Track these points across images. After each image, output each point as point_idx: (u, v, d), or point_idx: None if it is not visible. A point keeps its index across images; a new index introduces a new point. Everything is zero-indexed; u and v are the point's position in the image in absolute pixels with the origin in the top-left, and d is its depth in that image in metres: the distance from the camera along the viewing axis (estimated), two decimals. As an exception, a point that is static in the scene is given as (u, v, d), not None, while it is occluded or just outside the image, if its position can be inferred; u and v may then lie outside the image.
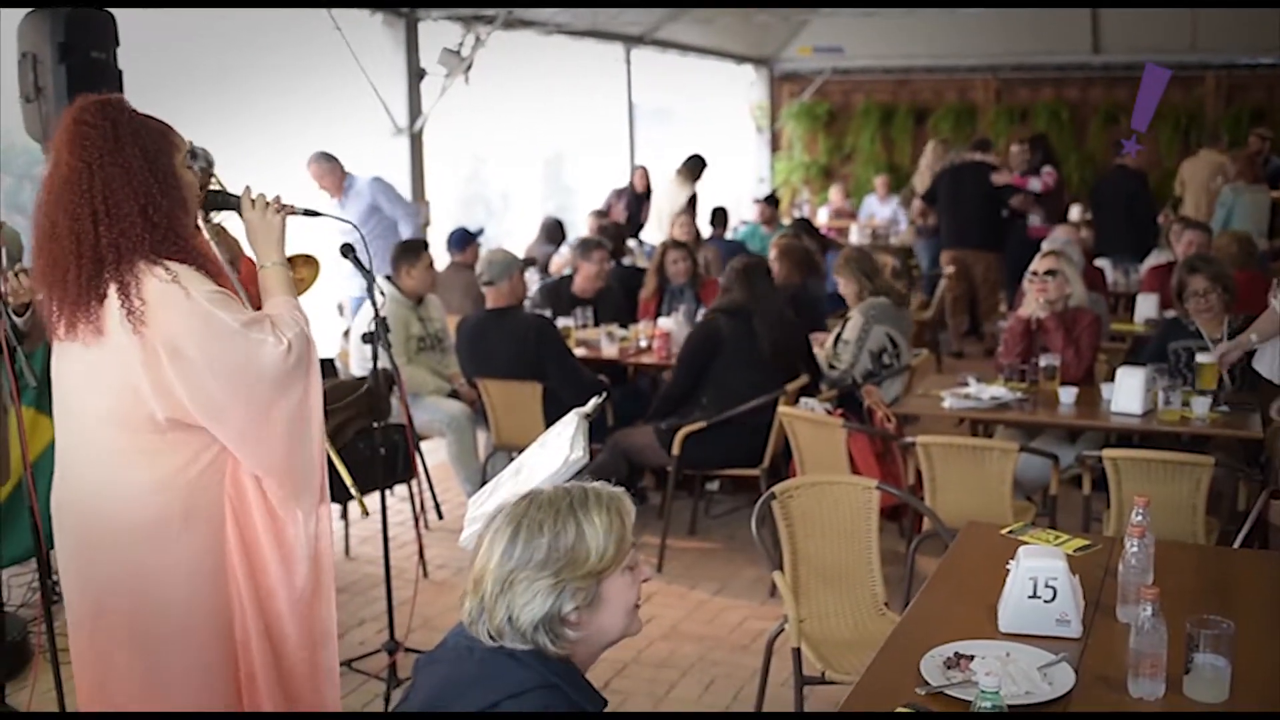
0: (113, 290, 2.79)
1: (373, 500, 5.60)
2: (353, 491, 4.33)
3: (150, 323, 2.78)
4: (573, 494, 2.18)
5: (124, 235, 2.79)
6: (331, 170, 8.28)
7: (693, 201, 11.26)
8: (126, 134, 2.85)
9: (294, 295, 3.04)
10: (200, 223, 3.81)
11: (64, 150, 2.86)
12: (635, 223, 11.26)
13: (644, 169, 11.81)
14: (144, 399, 2.82)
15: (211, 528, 2.92)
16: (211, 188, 3.27)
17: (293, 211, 3.16)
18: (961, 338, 10.75)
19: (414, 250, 6.59)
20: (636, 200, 11.45)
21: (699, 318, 6.98)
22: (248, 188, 3.14)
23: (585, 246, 7.61)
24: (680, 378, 6.04)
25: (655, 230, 11.17)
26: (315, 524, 3.03)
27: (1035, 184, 10.26)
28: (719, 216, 10.98)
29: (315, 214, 3.34)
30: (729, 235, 11.11)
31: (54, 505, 3.00)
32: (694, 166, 11.34)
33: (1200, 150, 11.07)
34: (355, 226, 3.58)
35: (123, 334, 2.80)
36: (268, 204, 3.10)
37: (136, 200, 2.81)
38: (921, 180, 11.75)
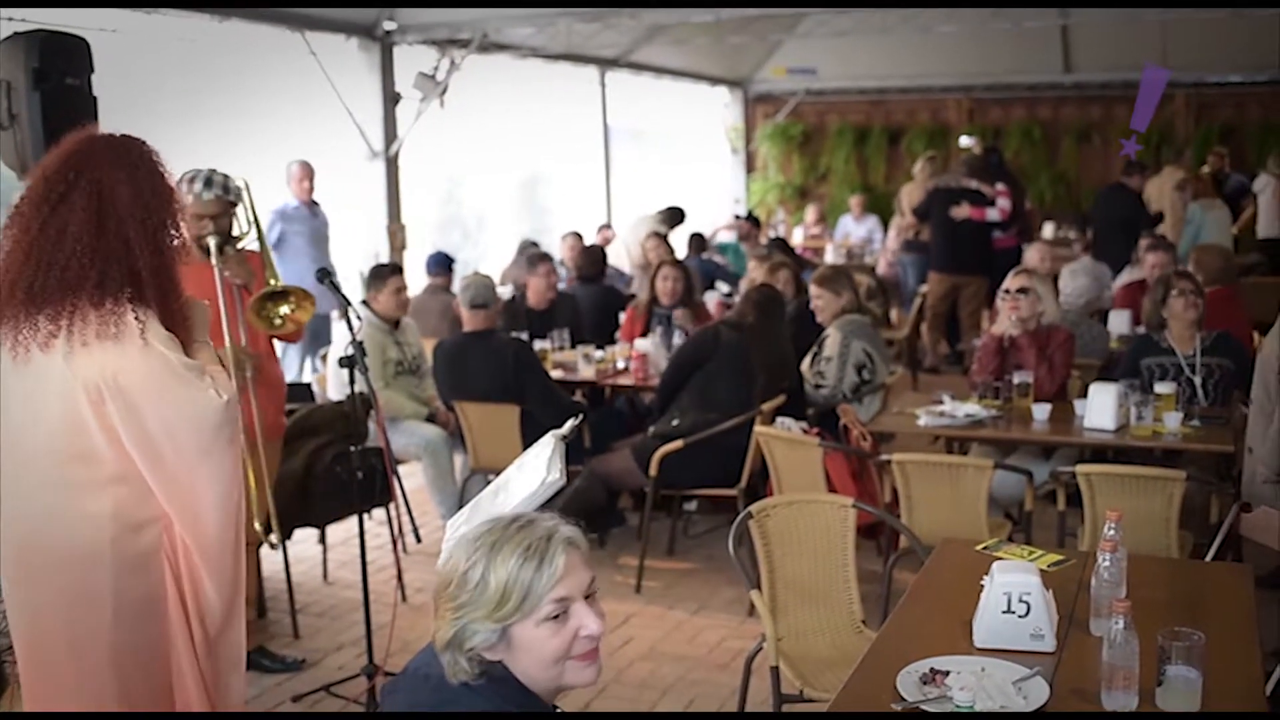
0: (81, 306, 2.79)
1: (350, 524, 5.60)
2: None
3: (96, 351, 2.78)
4: (506, 530, 2.07)
5: (106, 255, 2.80)
6: (313, 179, 8.75)
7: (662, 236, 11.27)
8: (143, 166, 2.90)
9: (222, 367, 3.03)
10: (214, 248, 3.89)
11: (82, 162, 2.87)
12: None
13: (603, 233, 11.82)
14: (89, 431, 2.82)
15: (146, 571, 2.91)
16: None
17: None
18: (940, 356, 10.80)
19: (380, 275, 6.63)
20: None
21: (676, 340, 7.01)
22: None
23: (530, 262, 7.72)
24: (669, 375, 6.15)
25: (624, 259, 11.13)
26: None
27: (993, 213, 10.28)
28: (696, 241, 10.99)
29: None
30: (709, 256, 11.10)
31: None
32: (669, 218, 11.34)
33: (1165, 168, 11.17)
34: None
35: (65, 359, 2.80)
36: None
37: (123, 229, 2.83)
38: (911, 196, 11.76)
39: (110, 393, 2.78)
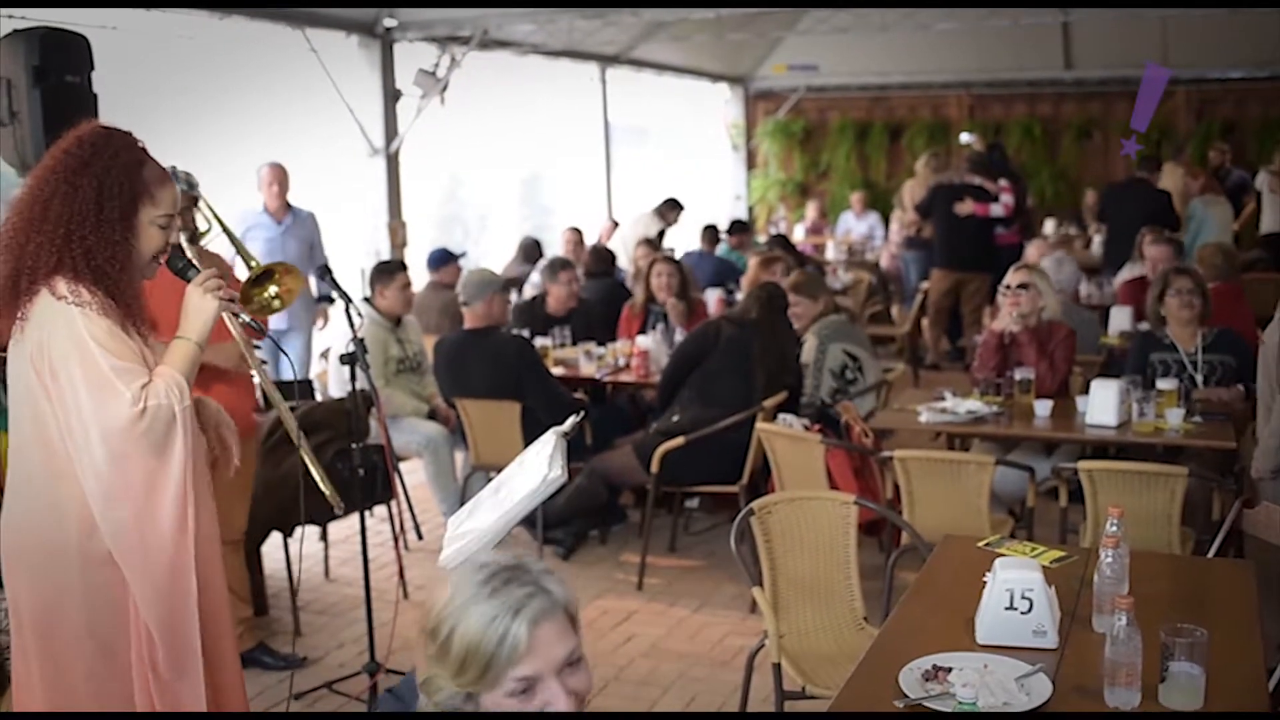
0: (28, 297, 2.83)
1: (352, 521, 5.61)
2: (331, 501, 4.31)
3: (39, 336, 2.80)
4: (484, 586, 1.89)
5: (42, 247, 2.82)
6: (284, 184, 7.89)
7: (660, 235, 11.27)
8: (99, 164, 2.86)
9: (188, 374, 2.93)
10: (185, 244, 3.86)
11: (46, 159, 2.91)
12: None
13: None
14: (44, 417, 2.83)
15: (110, 565, 2.89)
16: (181, 246, 3.24)
17: (230, 308, 3.12)
18: (941, 352, 10.79)
19: (388, 271, 6.59)
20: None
21: (678, 337, 7.01)
22: (208, 272, 3.11)
23: (552, 269, 7.63)
24: (669, 371, 6.17)
25: (622, 258, 11.12)
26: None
27: (997, 209, 10.25)
28: (709, 234, 10.97)
29: (259, 330, 3.34)
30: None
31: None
32: (668, 210, 11.34)
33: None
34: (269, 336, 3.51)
35: (22, 340, 2.84)
36: (216, 289, 3.04)
37: (65, 222, 2.83)
38: (914, 193, 11.74)
39: (49, 374, 2.80)
